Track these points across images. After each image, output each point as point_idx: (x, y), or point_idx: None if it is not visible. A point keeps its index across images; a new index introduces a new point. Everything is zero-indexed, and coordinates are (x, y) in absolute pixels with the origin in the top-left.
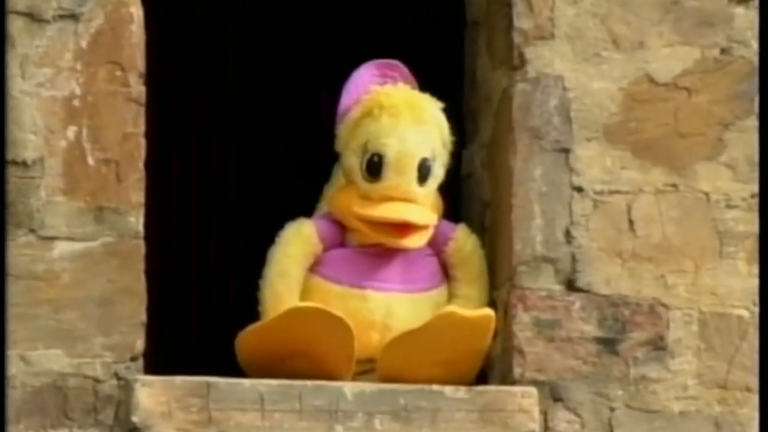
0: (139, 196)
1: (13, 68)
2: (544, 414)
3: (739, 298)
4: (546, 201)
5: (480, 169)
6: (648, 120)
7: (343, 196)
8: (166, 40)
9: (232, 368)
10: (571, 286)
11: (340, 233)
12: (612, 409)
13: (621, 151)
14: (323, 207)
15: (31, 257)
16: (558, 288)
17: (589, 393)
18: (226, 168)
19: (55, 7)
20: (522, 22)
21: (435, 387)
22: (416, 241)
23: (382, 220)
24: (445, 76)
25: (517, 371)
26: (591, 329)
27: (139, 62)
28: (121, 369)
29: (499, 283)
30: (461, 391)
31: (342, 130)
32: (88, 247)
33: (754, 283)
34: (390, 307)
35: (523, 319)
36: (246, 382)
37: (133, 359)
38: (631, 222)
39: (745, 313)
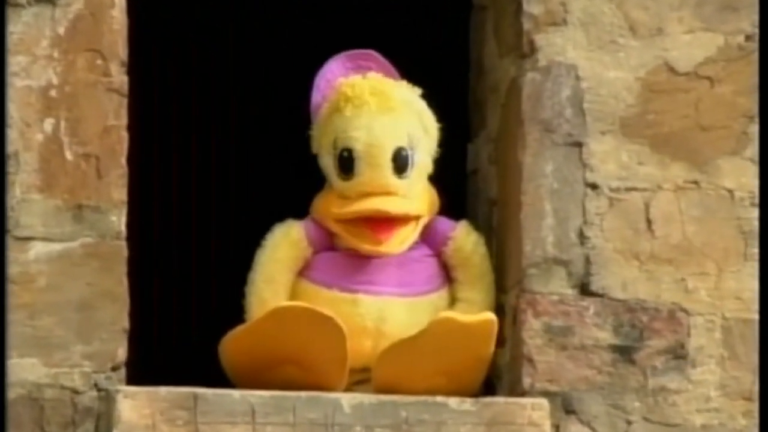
0: (121, 194)
1: None
2: (556, 427)
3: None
4: (558, 199)
5: (487, 165)
6: (667, 112)
7: (323, 199)
8: (166, 40)
9: (221, 378)
10: (584, 290)
11: (330, 235)
12: (629, 423)
13: (638, 146)
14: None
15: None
16: (571, 292)
17: (604, 405)
18: (226, 168)
19: None
20: (532, 6)
21: (439, 398)
22: (396, 245)
23: (356, 215)
24: (450, 65)
25: (526, 381)
26: (606, 336)
27: (121, 50)
28: (102, 379)
29: (507, 286)
30: (467, 403)
31: (315, 130)
32: (67, 248)
33: None
34: (383, 312)
35: (533, 325)
36: (236, 393)
37: (115, 369)
38: (649, 221)
39: None
